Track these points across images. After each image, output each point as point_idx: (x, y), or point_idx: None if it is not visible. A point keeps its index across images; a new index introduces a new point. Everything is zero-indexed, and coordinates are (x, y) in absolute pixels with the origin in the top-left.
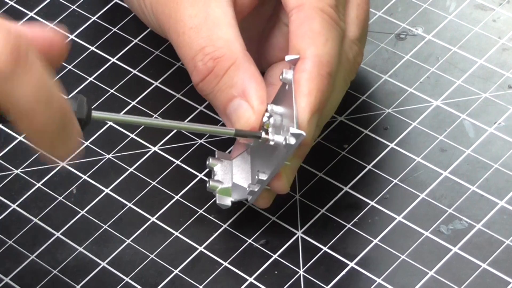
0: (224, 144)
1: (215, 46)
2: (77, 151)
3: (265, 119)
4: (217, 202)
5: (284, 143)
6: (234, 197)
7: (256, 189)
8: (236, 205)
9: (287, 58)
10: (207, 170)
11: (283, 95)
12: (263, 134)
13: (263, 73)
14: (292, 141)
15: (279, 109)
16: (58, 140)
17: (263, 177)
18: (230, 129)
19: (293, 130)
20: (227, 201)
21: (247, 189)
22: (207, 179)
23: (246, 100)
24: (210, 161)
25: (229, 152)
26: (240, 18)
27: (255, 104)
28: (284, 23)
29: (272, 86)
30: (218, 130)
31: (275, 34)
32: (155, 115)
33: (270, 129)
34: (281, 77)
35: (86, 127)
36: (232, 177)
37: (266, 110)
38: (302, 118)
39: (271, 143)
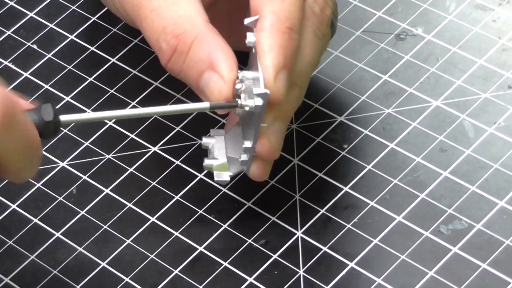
0: None
1: (176, 24)
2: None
3: (238, 86)
4: (215, 179)
5: (253, 105)
6: (232, 170)
7: (246, 158)
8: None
9: (246, 21)
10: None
11: (252, 60)
12: (239, 102)
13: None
14: (259, 101)
15: (250, 74)
16: (24, 170)
17: (248, 144)
18: (204, 103)
19: (257, 90)
20: (226, 177)
21: (239, 160)
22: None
23: (215, 71)
24: (204, 140)
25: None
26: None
27: (224, 73)
28: None
29: None
30: (193, 108)
31: None
32: (156, 115)
33: (242, 95)
34: (246, 42)
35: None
36: (226, 152)
37: (237, 78)
38: (267, 76)
39: (246, 108)
